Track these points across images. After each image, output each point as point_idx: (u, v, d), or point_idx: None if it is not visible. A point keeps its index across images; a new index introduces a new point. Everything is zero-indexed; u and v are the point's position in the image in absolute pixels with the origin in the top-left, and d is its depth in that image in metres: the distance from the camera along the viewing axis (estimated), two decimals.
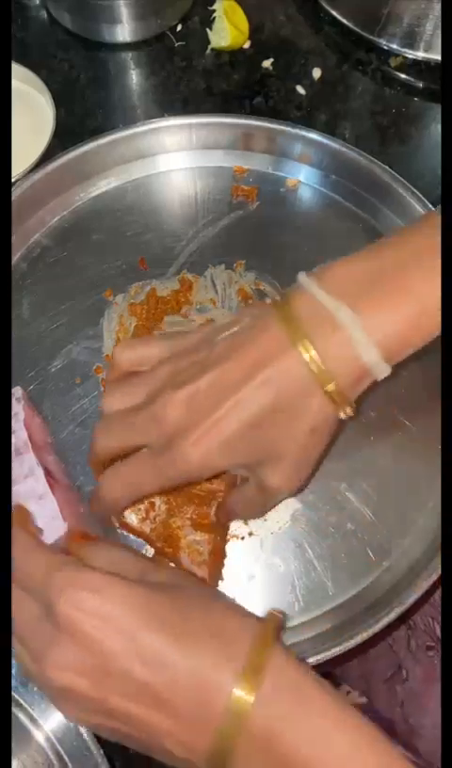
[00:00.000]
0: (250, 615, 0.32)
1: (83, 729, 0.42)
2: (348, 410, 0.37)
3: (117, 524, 0.45)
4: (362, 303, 0.36)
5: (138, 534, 0.46)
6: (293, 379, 0.36)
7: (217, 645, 0.29)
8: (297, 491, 0.43)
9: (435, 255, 0.35)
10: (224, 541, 0.46)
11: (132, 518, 0.46)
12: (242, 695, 0.28)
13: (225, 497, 0.44)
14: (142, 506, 0.45)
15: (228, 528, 0.47)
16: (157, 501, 0.45)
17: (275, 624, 0.31)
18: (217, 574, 0.45)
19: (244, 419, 0.37)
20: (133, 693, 0.28)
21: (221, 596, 0.36)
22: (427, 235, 0.37)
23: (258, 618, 0.32)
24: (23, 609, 0.32)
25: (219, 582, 0.45)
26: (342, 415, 0.38)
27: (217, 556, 0.45)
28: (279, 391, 0.36)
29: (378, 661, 0.58)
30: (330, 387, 0.36)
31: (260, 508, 0.45)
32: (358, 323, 0.35)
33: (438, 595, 0.50)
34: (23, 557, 0.33)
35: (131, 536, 0.46)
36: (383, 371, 0.37)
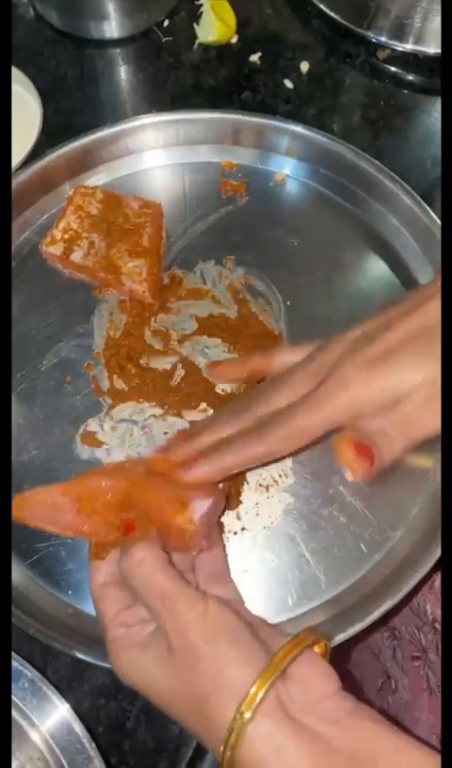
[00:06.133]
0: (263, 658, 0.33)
1: (78, 728, 0.42)
2: None
3: None
4: None
5: (83, 269, 0.53)
6: None
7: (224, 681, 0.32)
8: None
9: None
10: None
11: (77, 255, 0.52)
12: (240, 719, 0.31)
13: None
14: (83, 243, 0.53)
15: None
16: (96, 239, 0.53)
17: (276, 667, 0.32)
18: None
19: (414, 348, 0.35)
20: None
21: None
22: None
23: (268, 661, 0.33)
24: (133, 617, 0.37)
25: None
26: None
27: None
28: None
29: (365, 671, 0.58)
30: None
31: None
32: None
33: (423, 600, 0.50)
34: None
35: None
36: None
